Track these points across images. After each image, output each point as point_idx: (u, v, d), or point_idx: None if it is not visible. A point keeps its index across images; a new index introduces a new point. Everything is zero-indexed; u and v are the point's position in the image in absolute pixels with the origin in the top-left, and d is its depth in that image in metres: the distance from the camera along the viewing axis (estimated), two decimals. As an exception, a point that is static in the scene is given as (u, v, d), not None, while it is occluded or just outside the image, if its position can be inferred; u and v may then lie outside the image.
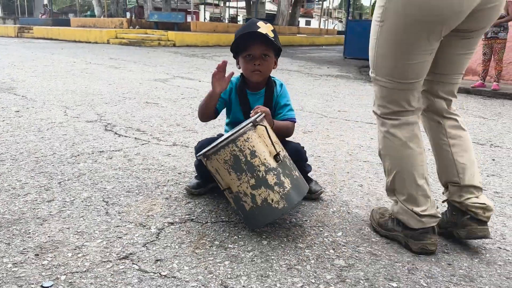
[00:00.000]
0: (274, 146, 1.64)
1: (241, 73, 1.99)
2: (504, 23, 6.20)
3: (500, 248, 1.66)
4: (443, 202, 1.77)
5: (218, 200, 1.98)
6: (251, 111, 1.79)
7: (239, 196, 1.62)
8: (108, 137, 3.00)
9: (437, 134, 1.70)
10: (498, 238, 1.74)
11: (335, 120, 3.96)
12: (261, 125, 1.64)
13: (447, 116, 1.68)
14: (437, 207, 1.64)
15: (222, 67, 1.82)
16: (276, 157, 1.63)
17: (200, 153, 1.66)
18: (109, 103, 4.24)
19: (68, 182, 2.14)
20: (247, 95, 1.99)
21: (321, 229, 1.74)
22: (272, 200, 1.59)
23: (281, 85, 2.02)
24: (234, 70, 1.95)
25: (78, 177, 2.21)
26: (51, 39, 17.85)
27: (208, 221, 1.77)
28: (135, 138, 3.00)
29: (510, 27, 6.47)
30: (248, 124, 1.61)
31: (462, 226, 1.63)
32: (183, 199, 1.98)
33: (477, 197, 1.62)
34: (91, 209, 1.84)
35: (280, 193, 1.60)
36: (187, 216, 1.81)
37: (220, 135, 1.93)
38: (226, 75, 1.87)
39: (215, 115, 2.00)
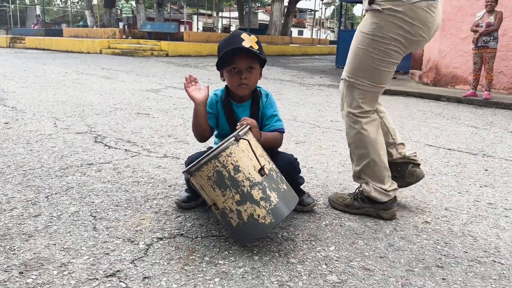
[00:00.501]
0: (258, 160, 1.61)
1: (226, 85, 1.96)
2: (493, 32, 6.26)
3: (495, 261, 1.64)
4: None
5: (209, 214, 1.94)
6: (238, 124, 1.76)
7: (225, 212, 1.59)
8: (98, 149, 2.96)
9: None
10: (493, 251, 1.72)
11: (328, 130, 3.95)
12: (244, 139, 1.61)
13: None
14: None
15: (190, 80, 1.87)
16: (260, 171, 1.59)
17: (184, 170, 1.64)
18: (99, 114, 4.20)
19: (55, 196, 2.09)
20: (233, 107, 1.96)
21: (314, 243, 1.71)
22: (259, 216, 1.56)
23: (267, 95, 1.99)
24: (218, 81, 1.93)
25: (66, 191, 2.16)
26: (43, 49, 17.78)
27: (198, 235, 1.74)
28: (125, 150, 2.96)
29: (500, 36, 6.53)
30: (230, 138, 1.58)
31: (409, 174, 2.10)
32: (172, 213, 1.94)
33: (407, 150, 2.13)
34: (78, 224, 1.80)
35: (267, 208, 1.56)
36: (176, 231, 1.77)
37: (210, 148, 1.89)
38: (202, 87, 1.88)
39: (211, 132, 1.96)
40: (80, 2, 41.41)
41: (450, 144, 3.59)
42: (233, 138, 1.58)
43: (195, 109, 1.86)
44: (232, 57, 1.83)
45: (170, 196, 2.14)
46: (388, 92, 7.19)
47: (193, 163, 1.59)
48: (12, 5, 37.14)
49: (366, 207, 2.00)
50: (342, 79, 1.98)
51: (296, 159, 1.97)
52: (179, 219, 1.89)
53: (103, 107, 4.62)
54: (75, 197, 2.09)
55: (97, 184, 2.27)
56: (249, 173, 1.57)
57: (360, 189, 2.05)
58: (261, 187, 1.58)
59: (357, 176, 2.05)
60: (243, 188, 1.56)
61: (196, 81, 1.90)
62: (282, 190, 1.65)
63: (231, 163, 1.55)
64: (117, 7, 22.56)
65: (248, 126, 1.69)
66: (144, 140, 3.26)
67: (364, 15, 1.90)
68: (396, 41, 1.79)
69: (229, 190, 1.56)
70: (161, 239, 1.70)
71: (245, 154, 1.59)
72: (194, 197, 1.99)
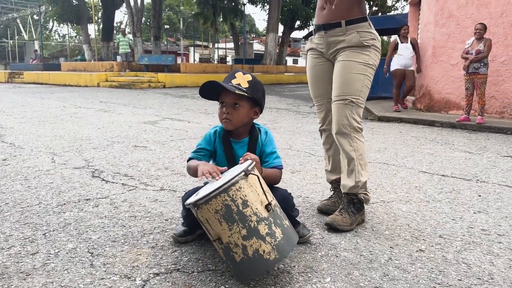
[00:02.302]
0: (266, 195, 1.63)
1: None
2: (483, 59, 6.41)
3: (489, 288, 1.65)
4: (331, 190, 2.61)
5: (205, 247, 1.96)
6: (240, 158, 1.80)
7: (229, 247, 1.59)
8: (95, 184, 2.98)
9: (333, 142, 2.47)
10: (486, 278, 1.73)
11: (322, 158, 3.98)
12: (253, 174, 1.64)
13: None
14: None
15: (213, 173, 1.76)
16: (267, 206, 1.62)
17: (190, 202, 1.64)
18: (97, 148, 4.24)
19: (53, 233, 2.11)
20: (231, 143, 2.01)
21: (310, 275, 1.73)
22: (264, 251, 1.57)
23: (266, 132, 2.04)
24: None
25: (64, 227, 2.18)
26: (41, 83, 18.00)
27: (195, 270, 1.75)
28: (122, 184, 2.99)
29: (490, 62, 6.68)
30: (240, 173, 1.60)
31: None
32: (169, 248, 1.96)
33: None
34: (75, 261, 1.81)
35: (272, 244, 1.58)
36: (173, 266, 1.78)
37: (206, 183, 1.93)
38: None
39: None
40: (78, 36, 42.14)
41: (444, 170, 3.64)
42: (243, 173, 1.59)
43: (199, 168, 1.79)
44: (222, 93, 1.94)
45: (167, 230, 2.16)
46: (382, 119, 7.29)
47: (201, 196, 1.58)
48: (11, 41, 37.81)
49: (360, 215, 2.30)
50: (341, 101, 2.23)
51: (290, 194, 2.00)
52: (176, 253, 1.90)
53: (100, 140, 4.67)
54: (72, 234, 2.10)
55: (94, 220, 2.29)
56: (257, 208, 1.59)
57: (354, 200, 2.28)
58: (267, 222, 1.59)
59: (364, 187, 2.29)
60: (250, 223, 1.57)
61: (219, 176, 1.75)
62: (285, 226, 1.67)
63: (240, 197, 1.57)
64: (115, 41, 22.98)
65: (254, 162, 1.71)
66: (141, 174, 3.29)
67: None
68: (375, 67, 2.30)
69: (236, 225, 1.56)
70: (157, 274, 1.71)
71: (253, 189, 1.61)
72: (191, 231, 2.01)
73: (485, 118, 6.70)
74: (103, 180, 3.09)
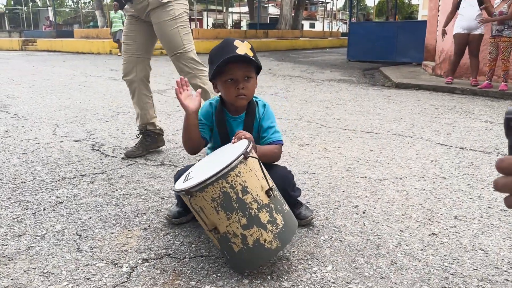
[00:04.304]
0: (266, 180, 1.48)
1: (220, 96, 1.84)
2: (506, 20, 5.99)
3: (508, 280, 1.49)
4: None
5: (200, 230, 1.83)
6: (233, 137, 1.63)
7: (227, 237, 1.44)
8: (94, 158, 2.88)
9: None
10: (506, 267, 1.57)
11: (334, 130, 3.81)
12: (252, 156, 1.47)
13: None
14: None
15: (181, 84, 1.71)
16: (268, 192, 1.46)
17: (181, 188, 1.45)
18: (101, 119, 4.13)
19: (43, 213, 2.01)
20: (227, 119, 1.84)
21: (310, 262, 1.59)
22: (265, 240, 1.43)
23: (264, 105, 1.86)
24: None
25: (55, 206, 2.08)
26: (54, 51, 17.92)
27: (186, 256, 1.63)
28: (122, 158, 2.88)
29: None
30: (239, 156, 1.42)
31: (160, 141, 3.04)
32: (162, 230, 1.84)
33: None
34: (62, 245, 1.71)
35: (273, 232, 1.44)
36: (163, 251, 1.66)
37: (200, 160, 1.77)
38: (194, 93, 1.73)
39: (204, 144, 1.83)
40: (91, 2, 41.65)
41: (462, 142, 3.42)
42: (242, 156, 1.42)
43: (188, 119, 1.71)
44: (227, 67, 1.69)
45: (162, 210, 2.04)
46: (400, 86, 6.99)
47: (195, 183, 1.39)
48: (25, 8, 37.61)
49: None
50: (173, 56, 2.81)
51: (290, 171, 1.84)
52: (168, 236, 1.79)
53: (105, 111, 4.55)
54: (62, 213, 2.00)
55: (88, 198, 2.18)
56: (257, 195, 1.44)
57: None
58: (268, 209, 1.45)
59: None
60: (250, 211, 1.42)
61: (187, 84, 1.75)
62: (286, 211, 1.53)
63: (239, 183, 1.40)
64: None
65: (251, 143, 1.53)
66: (143, 147, 3.16)
67: None
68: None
69: (235, 213, 1.41)
70: (146, 260, 1.60)
71: (253, 174, 1.45)
72: (185, 212, 1.88)
73: (510, 85, 6.34)
74: (103, 154, 2.98)
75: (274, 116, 1.88)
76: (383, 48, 11.55)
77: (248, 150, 1.45)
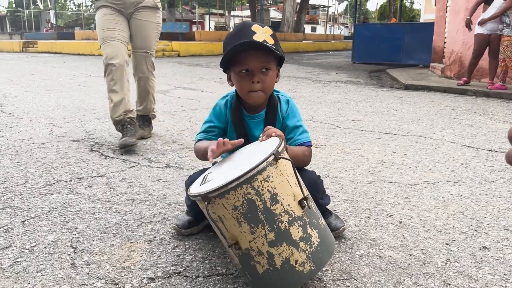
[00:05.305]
0: (300, 187, 1.21)
1: (235, 90, 1.58)
2: (504, 16, 5.77)
3: None
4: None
5: (214, 242, 1.58)
6: (261, 135, 1.35)
7: (250, 254, 1.17)
8: (93, 159, 2.63)
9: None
10: None
11: (350, 131, 3.56)
12: (285, 158, 1.19)
13: None
14: None
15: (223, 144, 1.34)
16: (301, 201, 1.19)
17: (197, 193, 1.19)
18: (101, 119, 3.88)
19: (33, 221, 1.76)
20: (244, 118, 1.57)
21: (348, 283, 1.34)
22: (296, 262, 1.16)
23: (288, 101, 1.58)
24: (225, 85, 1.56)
25: (47, 213, 1.83)
26: (55, 52, 17.70)
27: (200, 274, 1.38)
28: (123, 160, 2.63)
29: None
30: (268, 157, 1.14)
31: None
32: (170, 242, 1.59)
33: None
34: (53, 259, 1.46)
35: (307, 252, 1.17)
36: (172, 268, 1.41)
37: (215, 164, 1.50)
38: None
39: None
40: (92, 5, 41.55)
41: (490, 144, 3.17)
42: (272, 157, 1.15)
43: (210, 149, 1.34)
44: (241, 55, 1.43)
45: (169, 219, 1.79)
46: (409, 87, 6.75)
47: (215, 187, 1.13)
48: (27, 10, 37.51)
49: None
50: (143, 53, 3.08)
51: (319, 176, 1.58)
52: (177, 250, 1.53)
53: (106, 111, 4.30)
54: (56, 222, 1.75)
55: (85, 204, 1.93)
56: (288, 205, 1.17)
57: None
58: (301, 223, 1.18)
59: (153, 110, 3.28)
60: (280, 224, 1.15)
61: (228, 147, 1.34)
62: (322, 227, 1.25)
63: (267, 190, 1.14)
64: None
65: (283, 141, 1.25)
66: (146, 148, 2.92)
67: None
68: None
69: (261, 226, 1.14)
70: (153, 279, 1.34)
71: (285, 179, 1.18)
72: (197, 221, 1.63)
73: (509, 85, 6.11)
74: (102, 155, 2.73)
75: (300, 114, 1.61)
76: (389, 50, 11.32)
77: (279, 149, 1.18)
